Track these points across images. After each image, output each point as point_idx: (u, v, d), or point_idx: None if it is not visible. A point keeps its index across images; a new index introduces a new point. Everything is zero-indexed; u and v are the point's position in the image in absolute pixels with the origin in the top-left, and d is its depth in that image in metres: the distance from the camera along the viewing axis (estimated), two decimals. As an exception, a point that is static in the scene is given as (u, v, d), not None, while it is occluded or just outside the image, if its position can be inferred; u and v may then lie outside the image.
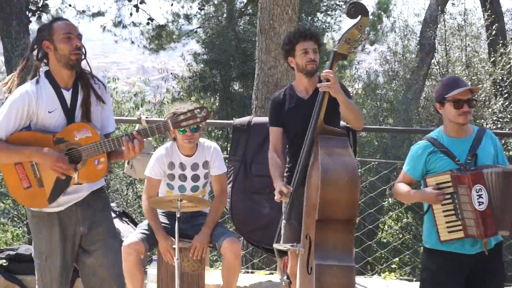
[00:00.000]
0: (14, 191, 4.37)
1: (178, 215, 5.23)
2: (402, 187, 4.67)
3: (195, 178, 5.70)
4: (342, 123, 5.35)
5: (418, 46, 14.82)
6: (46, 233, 4.40)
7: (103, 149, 4.17)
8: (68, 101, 4.26)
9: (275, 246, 5.14)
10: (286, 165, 5.17)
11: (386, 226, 13.41)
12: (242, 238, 6.53)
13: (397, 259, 9.22)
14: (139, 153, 4.21)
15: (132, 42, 20.18)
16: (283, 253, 5.32)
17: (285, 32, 7.44)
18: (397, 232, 12.80)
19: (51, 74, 4.28)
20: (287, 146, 5.19)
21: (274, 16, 7.62)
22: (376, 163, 9.13)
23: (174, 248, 5.34)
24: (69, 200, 4.34)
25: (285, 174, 5.13)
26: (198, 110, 4.16)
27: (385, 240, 12.41)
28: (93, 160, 4.21)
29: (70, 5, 19.48)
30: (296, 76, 5.18)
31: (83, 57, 4.26)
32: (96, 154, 4.19)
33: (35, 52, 4.31)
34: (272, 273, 6.77)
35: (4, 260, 6.43)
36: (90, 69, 4.41)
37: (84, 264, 4.47)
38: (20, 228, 14.10)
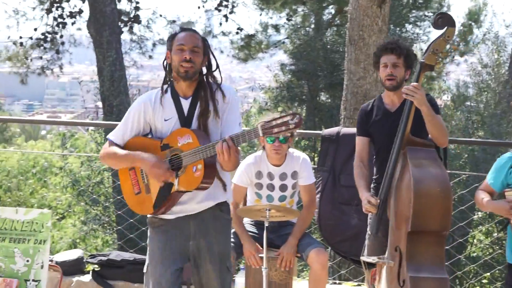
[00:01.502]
0: (127, 196, 4.45)
1: (267, 225, 5.24)
2: (480, 194, 4.63)
3: (283, 188, 5.71)
4: None
5: (510, 59, 14.53)
6: (155, 241, 4.43)
7: (200, 155, 4.06)
8: (186, 110, 4.28)
9: (363, 258, 5.11)
10: (373, 177, 5.15)
11: (475, 240, 13.17)
12: (330, 248, 6.52)
13: (488, 274, 9.03)
14: (230, 161, 4.00)
15: (221, 52, 20.38)
16: (371, 265, 5.29)
17: (374, 43, 7.41)
18: (487, 246, 12.55)
19: (173, 83, 4.35)
20: (374, 157, 5.18)
21: (363, 27, 7.58)
22: (465, 176, 8.99)
23: (259, 251, 5.36)
24: (181, 210, 4.32)
25: (372, 185, 5.11)
26: (290, 116, 3.87)
27: (474, 254, 12.18)
28: (191, 167, 4.12)
29: (161, 15, 19.81)
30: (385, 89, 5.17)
31: (193, 69, 4.21)
32: (194, 161, 4.10)
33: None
34: (360, 285, 6.74)
35: (96, 265, 6.59)
36: (221, 80, 4.39)
37: (194, 279, 4.46)
38: (111, 235, 14.40)
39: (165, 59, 4.37)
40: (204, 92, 4.28)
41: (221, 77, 4.43)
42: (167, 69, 4.36)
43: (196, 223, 4.34)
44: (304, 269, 10.96)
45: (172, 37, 4.33)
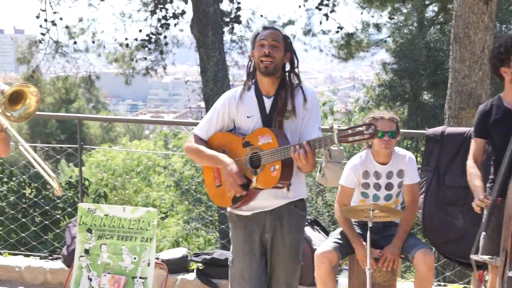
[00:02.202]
0: (209, 188, 4.58)
1: (370, 225, 5.21)
2: None
3: (389, 186, 5.66)
4: None
5: None
6: (235, 236, 4.56)
7: (278, 156, 4.15)
8: (268, 108, 4.37)
9: (472, 257, 5.00)
10: (490, 177, 5.04)
11: None
12: (434, 250, 6.42)
13: None
14: (308, 164, 4.08)
15: (321, 50, 20.36)
16: (480, 266, 5.18)
17: (480, 41, 7.27)
18: None
19: (257, 81, 4.43)
20: (492, 157, 5.07)
21: (469, 24, 7.43)
22: None
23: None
24: (258, 206, 4.42)
25: (488, 185, 5.01)
26: (365, 126, 3.94)
27: None
28: (269, 166, 4.21)
29: (261, 15, 19.93)
30: (506, 86, 5.04)
31: (273, 64, 4.28)
32: (272, 161, 4.19)
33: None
34: (465, 287, 6.61)
35: (200, 264, 6.68)
36: (299, 80, 4.45)
37: (268, 274, 4.56)
38: (213, 234, 14.54)
39: (249, 58, 4.47)
40: (285, 91, 4.34)
41: (297, 77, 4.47)
42: (251, 67, 4.45)
43: (271, 218, 4.45)
44: (408, 270, 10.83)
45: (255, 35, 4.44)
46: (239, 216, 4.51)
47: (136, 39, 19.55)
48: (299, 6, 19.46)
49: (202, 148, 4.47)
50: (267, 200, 4.41)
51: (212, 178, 4.52)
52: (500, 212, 4.72)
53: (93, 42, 20.16)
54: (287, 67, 4.46)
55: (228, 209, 4.59)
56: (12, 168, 10.56)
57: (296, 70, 4.45)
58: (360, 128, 3.95)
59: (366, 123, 3.98)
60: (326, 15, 19.14)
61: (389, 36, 18.54)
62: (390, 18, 18.59)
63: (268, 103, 4.38)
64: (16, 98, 4.00)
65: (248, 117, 4.41)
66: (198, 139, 4.53)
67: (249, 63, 4.50)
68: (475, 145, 5.11)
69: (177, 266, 6.72)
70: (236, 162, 4.34)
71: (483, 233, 4.92)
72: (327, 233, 6.49)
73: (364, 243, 5.46)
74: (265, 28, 4.49)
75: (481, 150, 5.08)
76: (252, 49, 4.42)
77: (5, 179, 10.75)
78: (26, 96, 4.00)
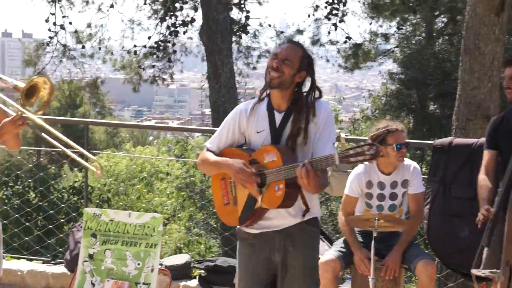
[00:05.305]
0: (217, 205, 4.47)
1: (375, 235, 5.19)
2: None
3: (393, 196, 5.65)
4: None
5: None
6: (242, 254, 4.46)
7: (282, 175, 4.02)
8: (278, 123, 4.23)
9: (473, 271, 4.98)
10: (499, 189, 5.01)
11: None
12: (437, 260, 6.39)
13: None
14: (310, 184, 3.90)
15: (327, 60, 20.32)
16: (481, 279, 5.15)
17: (490, 53, 7.24)
18: None
19: (269, 96, 4.32)
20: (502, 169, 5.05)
21: (480, 35, 7.38)
22: None
23: (369, 259, 5.31)
24: (266, 226, 4.30)
25: (497, 198, 4.99)
26: (367, 146, 3.79)
27: None
28: (274, 186, 4.08)
29: (269, 25, 19.92)
30: None
31: (280, 78, 4.14)
32: (276, 180, 4.06)
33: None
34: (468, 299, 6.58)
35: (203, 271, 6.65)
36: (316, 92, 4.27)
37: None
38: (215, 241, 14.53)
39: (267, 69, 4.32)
40: (299, 112, 4.20)
41: (320, 92, 4.32)
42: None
43: (282, 237, 4.31)
44: (410, 280, 10.80)
45: (274, 49, 4.33)
46: (247, 233, 4.39)
47: (144, 46, 19.53)
48: (308, 16, 19.46)
49: (210, 155, 4.37)
50: (277, 219, 4.28)
51: (220, 196, 4.42)
52: (502, 226, 4.70)
53: (99, 48, 20.16)
54: (307, 86, 4.28)
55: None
56: (18, 172, 10.56)
57: (316, 89, 4.26)
58: (363, 149, 3.79)
59: (369, 143, 3.83)
60: (335, 25, 19.12)
61: (397, 46, 18.57)
62: (398, 28, 18.60)
63: (278, 118, 4.25)
64: (30, 92, 4.19)
65: (258, 132, 4.29)
66: (209, 152, 4.44)
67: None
68: (487, 157, 5.10)
69: (180, 273, 6.70)
70: None
71: (486, 248, 4.91)
72: (331, 242, 6.47)
73: (367, 251, 5.45)
74: (288, 41, 4.39)
75: (493, 161, 5.06)
76: None
77: (11, 183, 10.76)
78: (39, 89, 4.21)
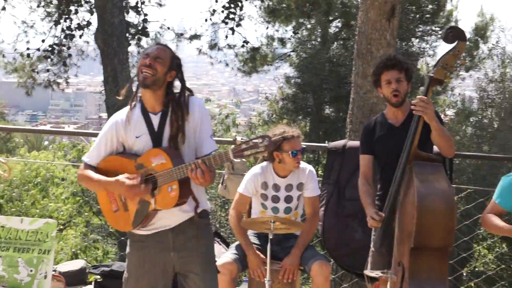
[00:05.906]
0: (106, 213, 4.44)
1: (271, 237, 5.22)
2: (492, 218, 4.58)
3: (289, 199, 5.69)
4: (435, 148, 5.23)
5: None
6: (135, 255, 4.43)
7: (174, 176, 4.05)
8: (156, 126, 4.23)
9: (366, 272, 5.08)
10: (377, 193, 5.12)
11: (479, 255, 13.11)
12: (332, 261, 6.48)
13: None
14: (206, 181, 4.00)
15: (227, 65, 20.39)
16: (374, 279, 5.25)
17: (382, 57, 7.39)
18: (491, 262, 12.49)
19: (141, 100, 4.30)
20: (378, 174, 5.14)
21: (372, 40, 7.53)
22: (471, 190, 8.95)
23: (264, 264, 5.33)
24: (159, 226, 4.31)
25: (376, 202, 5.09)
26: (260, 139, 3.89)
27: (476, 270, 12.14)
28: (166, 187, 4.10)
29: (168, 28, 19.83)
30: (387, 104, 5.14)
31: (153, 77, 4.14)
32: (168, 181, 4.08)
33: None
34: (362, 299, 6.69)
35: (99, 276, 6.56)
36: (187, 92, 4.29)
37: None
38: (112, 246, 14.37)
39: (135, 74, 4.29)
40: (175, 112, 4.22)
41: (190, 92, 4.34)
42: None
43: (175, 234, 4.33)
44: (306, 282, 10.92)
45: (144, 51, 4.31)
46: (139, 235, 4.37)
47: (38, 49, 19.09)
48: (205, 20, 19.48)
49: (91, 174, 4.30)
50: (169, 218, 4.29)
51: (108, 204, 4.37)
52: (391, 228, 4.80)
53: (-10, 51, 19.60)
54: (179, 87, 4.29)
55: None
56: None
57: (186, 89, 4.27)
58: (255, 141, 3.90)
59: (260, 135, 3.93)
60: (232, 29, 19.21)
61: (293, 51, 18.77)
62: (294, 33, 18.81)
63: (155, 120, 4.24)
64: None
65: (137, 137, 4.25)
66: (88, 166, 4.36)
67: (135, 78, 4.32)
68: (364, 162, 5.17)
69: (75, 279, 6.60)
70: None
71: (372, 249, 5.01)
72: (227, 245, 6.47)
73: (261, 254, 5.50)
74: (157, 43, 4.39)
75: (370, 166, 5.14)
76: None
77: None
78: None
